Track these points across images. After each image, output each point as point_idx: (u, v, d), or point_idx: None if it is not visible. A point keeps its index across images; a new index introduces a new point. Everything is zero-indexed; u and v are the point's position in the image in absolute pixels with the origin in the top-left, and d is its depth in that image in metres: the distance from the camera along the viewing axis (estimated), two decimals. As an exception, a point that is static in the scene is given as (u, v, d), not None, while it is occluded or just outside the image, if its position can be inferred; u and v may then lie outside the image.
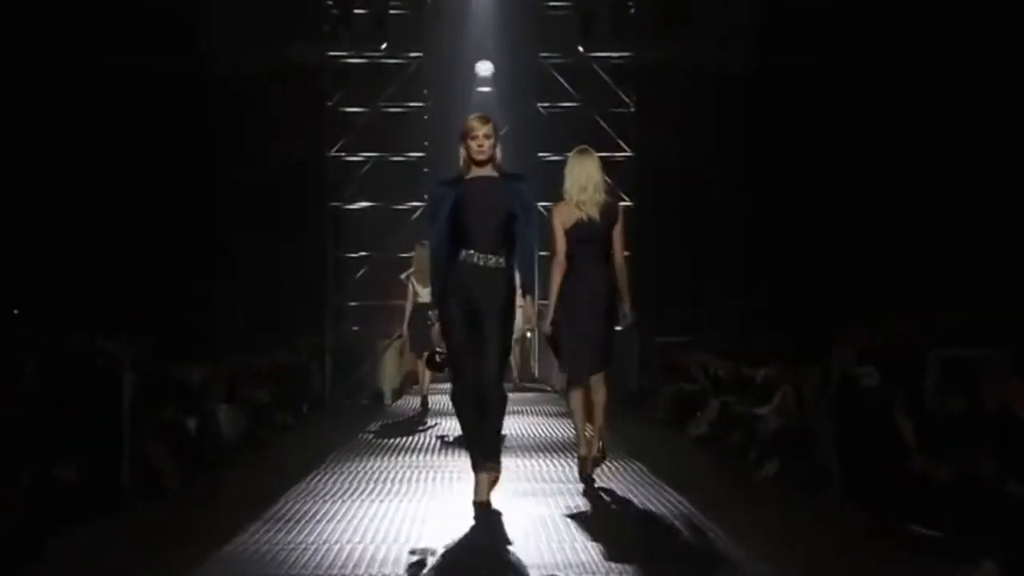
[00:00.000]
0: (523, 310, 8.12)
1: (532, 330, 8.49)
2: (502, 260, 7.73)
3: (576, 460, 8.93)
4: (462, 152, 7.80)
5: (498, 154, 7.81)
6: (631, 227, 16.73)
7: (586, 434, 8.74)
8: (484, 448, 7.65)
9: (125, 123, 11.35)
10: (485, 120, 7.80)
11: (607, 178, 9.39)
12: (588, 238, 8.56)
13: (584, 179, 8.66)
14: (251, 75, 14.66)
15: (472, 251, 7.69)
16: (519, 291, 7.92)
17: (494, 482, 7.68)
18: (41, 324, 8.76)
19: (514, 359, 15.74)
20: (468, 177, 7.81)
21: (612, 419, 9.45)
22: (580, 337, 8.58)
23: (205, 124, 13.15)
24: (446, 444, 11.37)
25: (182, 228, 12.57)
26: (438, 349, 7.92)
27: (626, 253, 9.06)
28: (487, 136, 7.72)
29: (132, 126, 11.46)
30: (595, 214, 8.61)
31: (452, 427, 11.62)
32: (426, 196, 7.69)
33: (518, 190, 7.83)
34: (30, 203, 9.81)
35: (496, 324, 7.64)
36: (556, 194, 8.77)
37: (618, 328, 8.77)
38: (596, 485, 8.81)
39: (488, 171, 7.78)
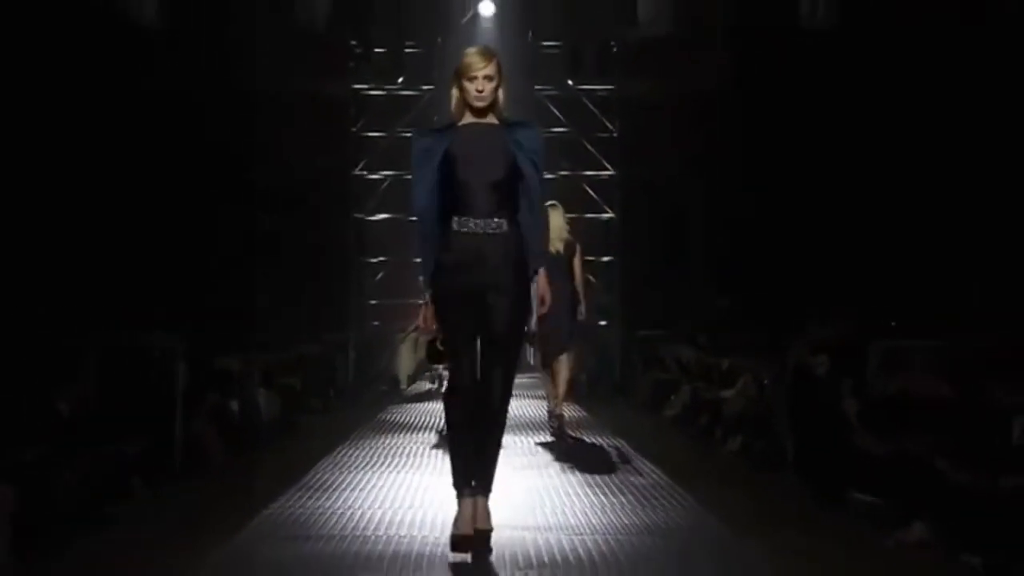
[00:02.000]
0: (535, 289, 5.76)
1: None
2: (504, 223, 5.47)
3: (547, 410, 10.62)
4: (455, 94, 5.52)
5: (500, 97, 5.50)
6: (615, 238, 16.98)
7: (554, 394, 10.37)
8: (478, 470, 5.49)
9: (179, 141, 11.37)
10: (488, 56, 5.45)
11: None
12: (556, 264, 9.39)
13: (555, 226, 9.76)
14: (288, 103, 14.70)
15: (467, 216, 5.45)
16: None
17: (485, 509, 5.48)
18: (102, 322, 8.77)
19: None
20: (461, 124, 5.54)
21: (595, 401, 9.66)
22: (551, 329, 9.27)
23: (247, 144, 13.17)
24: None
25: (226, 236, 12.58)
26: (439, 337, 5.72)
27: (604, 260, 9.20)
28: (488, 78, 5.41)
29: (183, 145, 11.48)
30: (560, 248, 9.98)
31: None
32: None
33: (523, 140, 5.52)
34: (95, 216, 9.80)
35: (504, 312, 5.45)
36: None
37: (579, 319, 10.23)
38: (582, 457, 8.91)
39: (487, 118, 5.53)
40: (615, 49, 16.19)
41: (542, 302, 5.62)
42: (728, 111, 13.53)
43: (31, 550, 5.58)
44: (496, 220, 5.45)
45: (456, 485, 5.50)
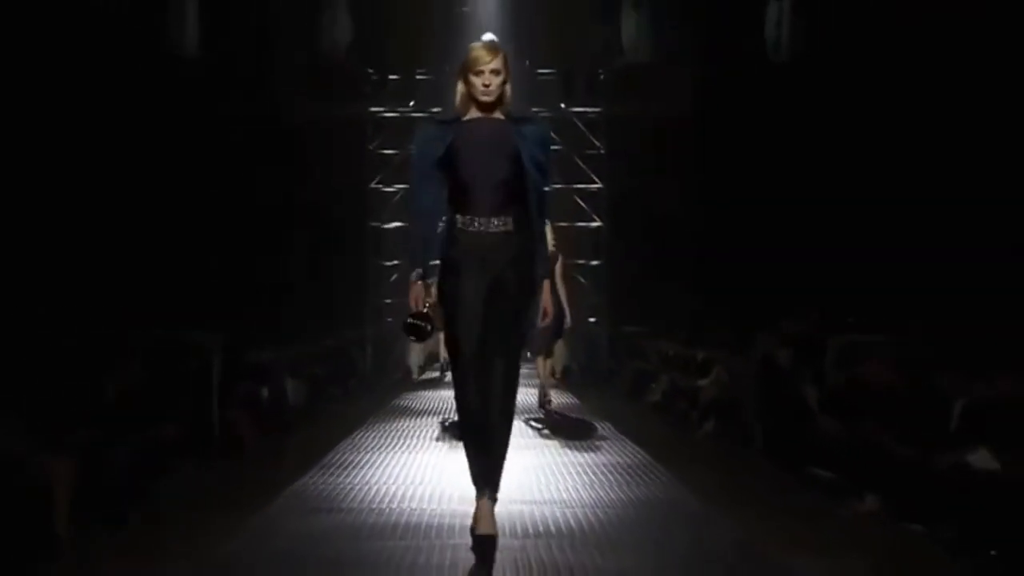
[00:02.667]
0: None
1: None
2: (510, 222, 4.71)
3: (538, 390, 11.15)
4: (460, 89, 4.77)
5: (507, 93, 4.75)
6: (601, 244, 16.97)
7: (544, 378, 11.11)
8: (486, 473, 4.78)
9: (220, 161, 11.41)
10: (495, 50, 4.71)
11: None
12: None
13: None
14: (313, 124, 14.73)
15: (470, 216, 4.70)
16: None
17: (490, 513, 4.79)
18: (149, 319, 8.80)
19: None
20: (467, 119, 4.78)
21: (585, 389, 9.68)
22: (540, 328, 9.50)
23: (279, 161, 13.21)
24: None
25: (258, 241, 12.61)
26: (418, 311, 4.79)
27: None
28: (495, 72, 4.67)
29: (223, 163, 11.52)
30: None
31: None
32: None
33: (529, 135, 4.75)
34: (150, 229, 9.83)
35: (509, 313, 4.74)
36: None
37: (567, 327, 10.65)
38: (573, 438, 8.94)
39: (494, 113, 4.77)
40: (602, 76, 16.20)
41: (545, 314, 4.93)
42: (702, 130, 13.56)
43: (87, 520, 5.58)
44: (501, 219, 4.69)
45: (475, 483, 4.77)
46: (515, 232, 4.73)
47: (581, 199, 16.91)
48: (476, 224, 4.71)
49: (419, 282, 4.73)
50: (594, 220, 16.96)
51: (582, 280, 16.46)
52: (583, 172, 16.88)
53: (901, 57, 9.05)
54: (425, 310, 4.72)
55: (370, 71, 16.54)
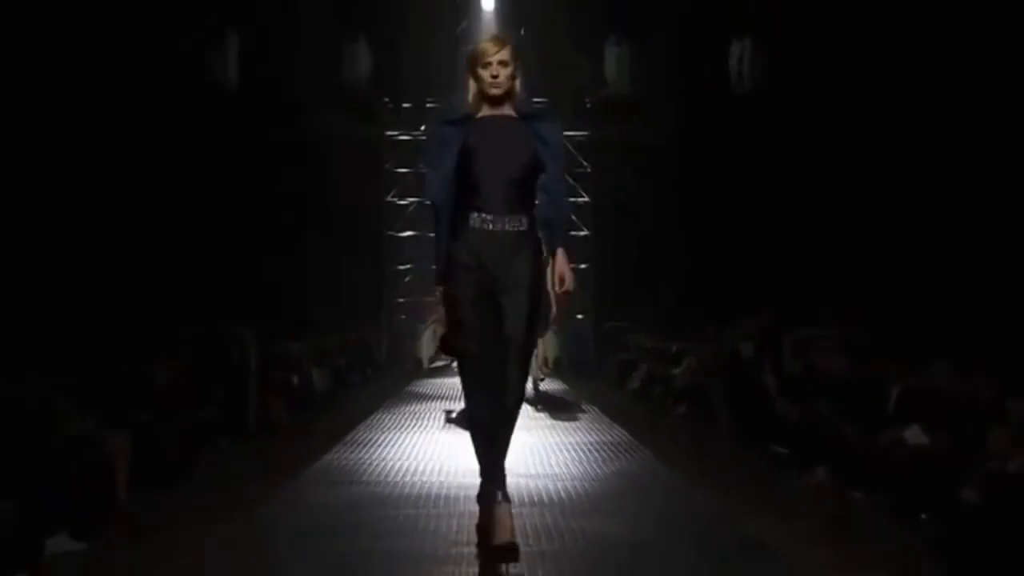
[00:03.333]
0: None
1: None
2: (523, 222, 4.13)
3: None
4: (472, 86, 4.18)
5: (517, 87, 4.19)
6: (590, 250, 16.92)
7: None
8: (495, 471, 4.19)
9: (255, 178, 11.49)
10: (501, 43, 4.11)
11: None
12: None
13: None
14: (336, 145, 14.79)
15: (483, 213, 4.11)
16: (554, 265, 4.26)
17: (508, 517, 4.13)
18: (195, 316, 8.85)
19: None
20: (479, 116, 4.18)
21: (575, 378, 9.61)
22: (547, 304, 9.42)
23: (305, 177, 13.26)
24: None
25: (289, 248, 12.65)
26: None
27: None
28: (503, 63, 4.08)
29: (258, 181, 11.60)
30: None
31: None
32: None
33: (543, 132, 4.17)
34: (200, 238, 9.89)
35: (520, 314, 4.10)
36: None
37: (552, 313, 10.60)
38: (563, 420, 8.98)
39: (505, 110, 4.18)
40: (588, 104, 16.22)
41: (561, 281, 4.19)
42: (675, 151, 13.61)
43: (142, 488, 5.62)
44: (514, 217, 4.11)
45: (484, 476, 4.22)
46: (528, 230, 4.15)
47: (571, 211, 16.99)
48: (491, 223, 4.10)
49: (438, 298, 4.21)
50: (582, 230, 16.98)
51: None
52: (572, 188, 16.91)
53: (843, 88, 9.14)
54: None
55: (386, 100, 16.58)
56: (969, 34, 7.36)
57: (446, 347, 4.32)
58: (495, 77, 4.08)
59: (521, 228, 4.14)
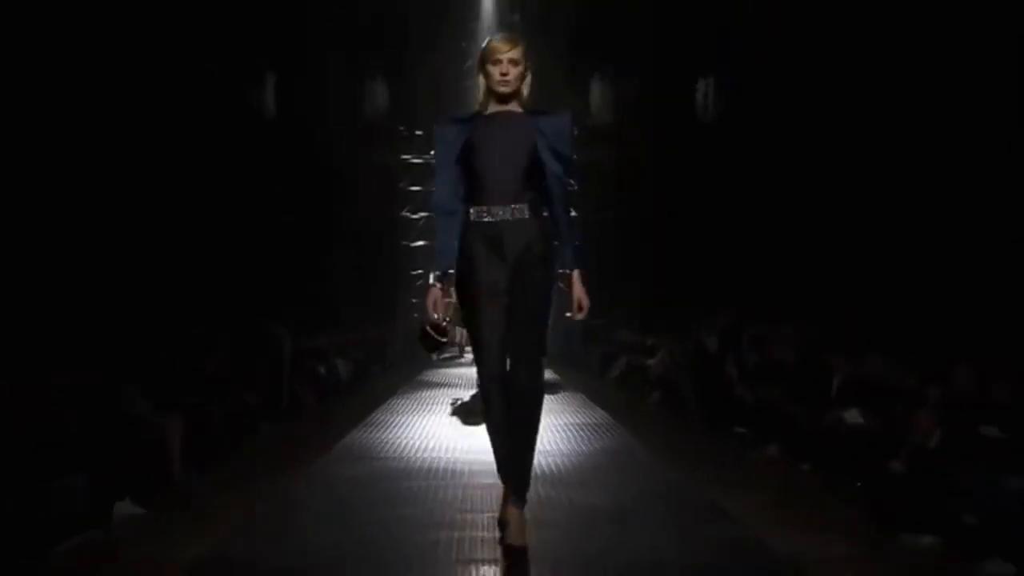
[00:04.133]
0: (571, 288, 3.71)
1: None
2: (525, 209, 3.57)
3: None
4: (481, 83, 3.63)
5: (526, 89, 3.62)
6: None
7: None
8: (511, 472, 3.66)
9: (289, 198, 11.55)
10: (512, 42, 3.57)
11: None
12: None
13: None
14: (357, 167, 14.82)
15: (485, 205, 3.57)
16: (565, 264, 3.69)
17: (519, 522, 3.64)
18: (237, 313, 8.88)
19: None
20: (486, 114, 3.64)
21: (563, 368, 9.53)
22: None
23: (330, 195, 13.30)
24: (474, 384, 11.39)
25: (317, 256, 12.68)
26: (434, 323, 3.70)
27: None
28: (513, 62, 3.55)
29: (293, 200, 11.67)
30: None
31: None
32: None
33: (547, 128, 3.56)
34: (246, 250, 9.93)
35: (529, 304, 3.58)
36: None
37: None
38: (554, 405, 8.85)
39: (512, 107, 3.63)
40: (576, 131, 16.25)
41: (580, 308, 3.69)
42: (649, 172, 13.65)
43: (192, 463, 5.66)
44: (516, 206, 3.54)
45: (501, 475, 3.71)
46: (531, 218, 3.56)
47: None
48: (491, 214, 3.56)
49: (436, 286, 3.63)
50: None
51: (561, 286, 16.49)
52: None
53: (790, 119, 9.22)
54: (445, 322, 3.66)
55: (401, 128, 16.62)
56: (901, 65, 7.43)
57: (427, 342, 3.73)
58: (504, 75, 3.55)
59: (524, 216, 3.55)
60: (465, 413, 8.08)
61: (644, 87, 13.37)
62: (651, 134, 13.37)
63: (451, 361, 14.83)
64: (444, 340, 3.72)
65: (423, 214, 16.80)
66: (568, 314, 3.68)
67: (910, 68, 7.29)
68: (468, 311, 3.59)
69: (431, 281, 3.65)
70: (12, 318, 6.01)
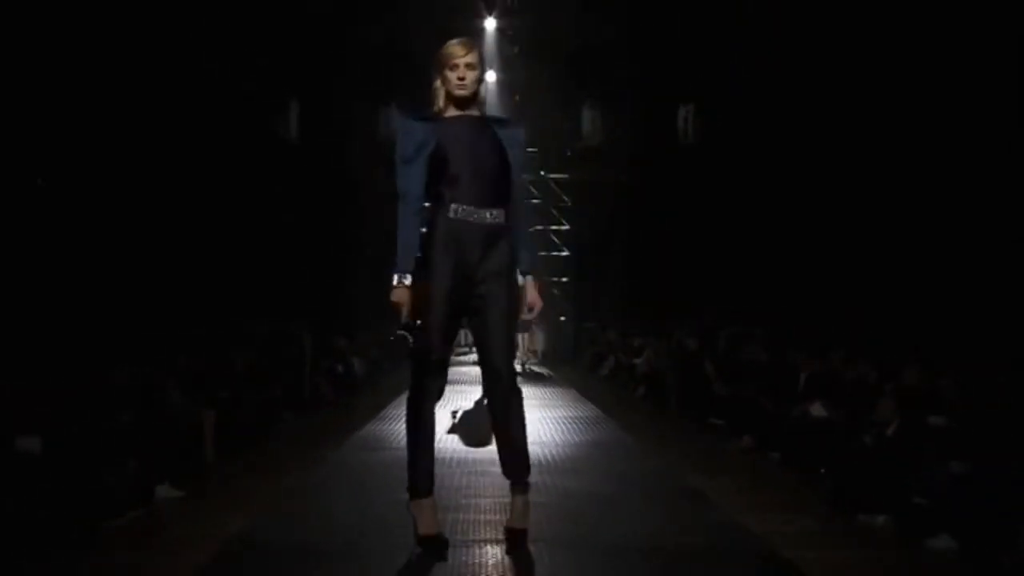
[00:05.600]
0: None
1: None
2: (503, 216, 3.23)
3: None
4: (437, 87, 3.25)
5: (482, 92, 3.29)
6: (569, 267, 16.84)
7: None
8: (516, 462, 3.34)
9: (310, 214, 11.61)
10: (469, 46, 3.23)
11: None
12: None
13: None
14: (368, 185, 14.83)
15: (463, 205, 3.19)
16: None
17: (524, 505, 3.35)
18: (263, 315, 8.92)
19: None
20: (448, 116, 3.26)
21: (557, 366, 9.51)
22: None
23: (350, 213, 13.35)
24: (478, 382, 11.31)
25: (335, 263, 12.72)
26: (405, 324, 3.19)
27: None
28: (470, 66, 3.22)
29: (312, 212, 11.72)
30: None
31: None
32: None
33: (508, 139, 3.27)
34: (272, 260, 9.98)
35: (503, 305, 3.23)
36: None
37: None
38: (547, 399, 8.92)
39: (471, 111, 3.28)
40: (568, 153, 16.25)
41: (531, 308, 3.33)
42: (635, 190, 13.70)
43: (225, 450, 5.66)
44: (495, 211, 3.21)
45: (411, 488, 3.36)
46: (505, 227, 3.24)
47: (555, 236, 17.02)
48: (471, 214, 3.18)
49: (404, 285, 3.21)
50: (563, 251, 17.08)
51: (556, 292, 16.57)
52: (555, 218, 17.04)
53: (762, 143, 9.28)
54: (417, 322, 3.20)
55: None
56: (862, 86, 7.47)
57: (406, 346, 3.23)
58: (462, 79, 3.21)
59: (499, 221, 3.21)
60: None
61: (630, 113, 13.44)
62: (637, 155, 13.42)
63: (457, 360, 14.73)
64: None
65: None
66: (521, 316, 3.37)
67: (868, 89, 7.32)
68: (428, 311, 3.16)
69: (398, 279, 3.18)
70: (75, 324, 6.06)
